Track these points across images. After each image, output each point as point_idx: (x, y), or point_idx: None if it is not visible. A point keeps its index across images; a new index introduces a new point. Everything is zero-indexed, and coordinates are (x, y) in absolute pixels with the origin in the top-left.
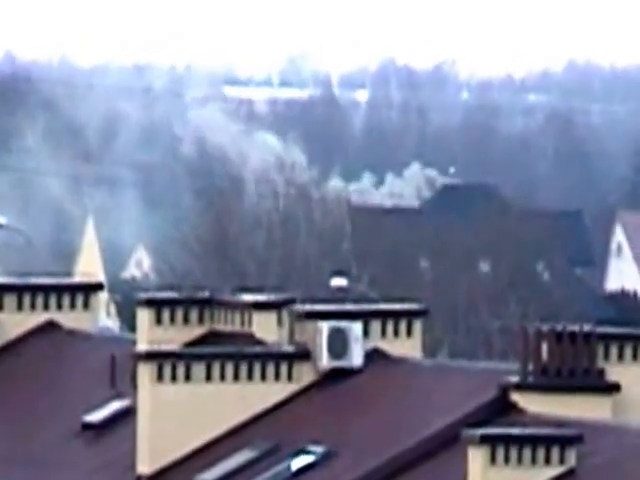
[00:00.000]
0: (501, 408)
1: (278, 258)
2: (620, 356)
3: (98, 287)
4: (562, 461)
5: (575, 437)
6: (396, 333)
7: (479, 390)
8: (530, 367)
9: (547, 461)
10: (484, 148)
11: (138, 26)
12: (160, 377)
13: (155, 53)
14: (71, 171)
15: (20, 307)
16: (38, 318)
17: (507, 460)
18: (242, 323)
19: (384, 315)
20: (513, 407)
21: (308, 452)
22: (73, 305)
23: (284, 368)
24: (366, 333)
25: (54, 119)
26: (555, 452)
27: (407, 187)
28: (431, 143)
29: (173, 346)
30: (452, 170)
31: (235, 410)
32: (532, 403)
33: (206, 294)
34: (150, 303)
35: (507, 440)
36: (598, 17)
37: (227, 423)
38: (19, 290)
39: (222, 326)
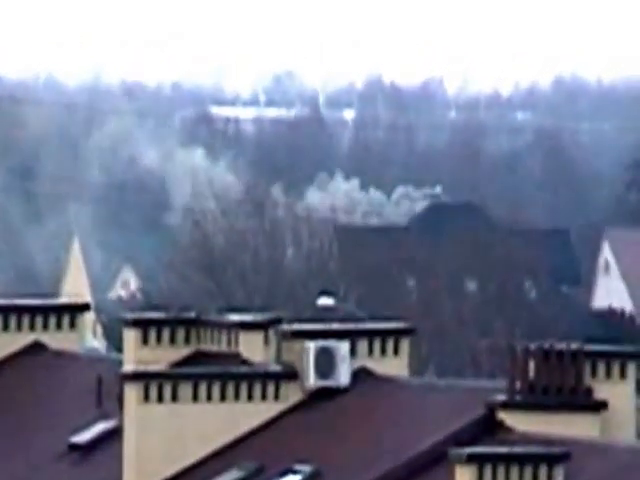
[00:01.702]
0: (488, 426)
1: (265, 278)
2: (608, 374)
3: (84, 307)
4: None
5: (562, 455)
6: (383, 352)
7: (466, 409)
8: (517, 385)
9: None
10: (471, 166)
11: (124, 45)
12: (147, 397)
13: (142, 72)
14: (56, 191)
15: (6, 328)
16: (24, 339)
17: (494, 479)
18: (229, 343)
19: (371, 334)
20: (500, 425)
21: (295, 472)
22: (59, 326)
23: (271, 388)
24: (353, 352)
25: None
26: (542, 471)
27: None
28: (418, 161)
29: (160, 366)
30: (439, 189)
31: (222, 430)
32: (519, 421)
33: (192, 314)
34: (136, 323)
35: (494, 459)
36: (584, 32)
37: (214, 443)
38: (5, 311)
39: (209, 346)
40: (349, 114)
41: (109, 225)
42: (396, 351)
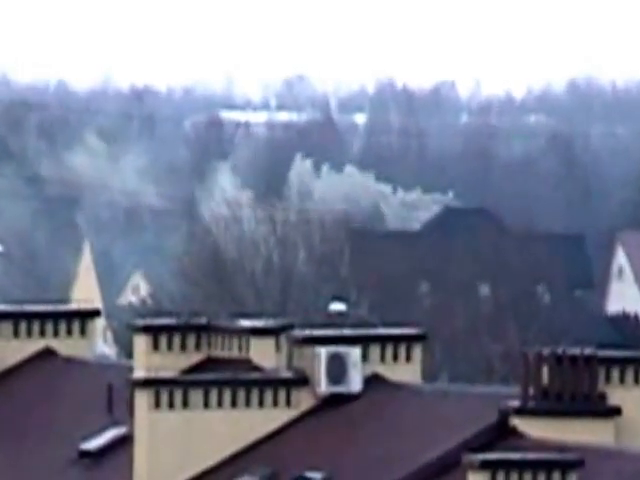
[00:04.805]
0: (502, 433)
1: (276, 283)
2: (622, 379)
3: (95, 314)
4: None
5: (576, 462)
6: (395, 358)
7: (479, 415)
8: (531, 391)
9: None
10: (484, 171)
11: (136, 50)
12: (157, 404)
13: (153, 77)
14: (68, 197)
15: (16, 334)
16: (35, 345)
17: None
18: (240, 349)
19: (383, 340)
20: (514, 432)
21: (307, 479)
22: (70, 332)
23: (282, 394)
24: (365, 358)
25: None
26: (556, 477)
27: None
28: (430, 166)
29: (170, 373)
30: (451, 194)
31: (233, 437)
32: (533, 427)
33: (203, 320)
34: (147, 329)
35: (508, 465)
36: (598, 35)
37: (225, 450)
38: (15, 317)
39: (219, 352)
40: (360, 118)
41: (120, 231)
42: (408, 357)
